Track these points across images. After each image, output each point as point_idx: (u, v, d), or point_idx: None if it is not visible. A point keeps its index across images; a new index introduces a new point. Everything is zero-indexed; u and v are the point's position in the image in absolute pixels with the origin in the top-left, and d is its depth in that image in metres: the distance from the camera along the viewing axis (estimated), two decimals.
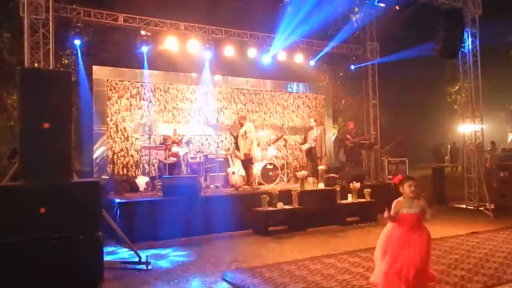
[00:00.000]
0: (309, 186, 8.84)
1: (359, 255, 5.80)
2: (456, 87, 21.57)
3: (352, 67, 13.18)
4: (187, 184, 7.75)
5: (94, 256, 4.57)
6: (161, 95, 11.15)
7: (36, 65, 8.05)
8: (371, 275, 4.01)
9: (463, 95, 11.30)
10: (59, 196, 4.46)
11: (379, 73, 12.92)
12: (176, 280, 4.95)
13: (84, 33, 9.81)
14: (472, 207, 10.09)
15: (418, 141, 21.47)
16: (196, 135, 11.47)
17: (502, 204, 9.68)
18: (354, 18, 13.31)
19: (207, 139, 11.66)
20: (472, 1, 10.25)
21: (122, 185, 8.75)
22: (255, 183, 9.81)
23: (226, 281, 4.85)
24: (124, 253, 6.28)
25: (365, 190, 8.82)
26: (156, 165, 9.92)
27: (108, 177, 9.46)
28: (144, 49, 10.21)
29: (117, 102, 10.56)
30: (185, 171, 10.44)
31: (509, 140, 24.27)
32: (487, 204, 9.64)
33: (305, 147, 10.70)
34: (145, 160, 10.35)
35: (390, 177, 10.09)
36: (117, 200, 7.31)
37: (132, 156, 10.65)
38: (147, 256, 5.62)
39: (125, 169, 10.52)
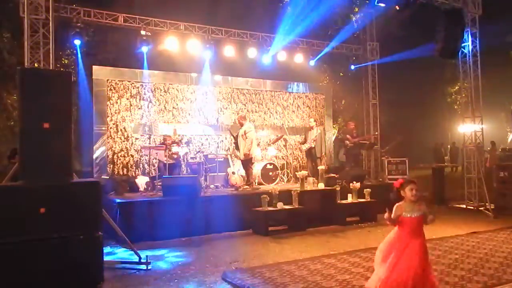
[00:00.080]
0: (309, 186, 8.84)
1: (359, 255, 5.80)
2: (456, 87, 21.56)
3: (352, 67, 13.19)
4: (187, 184, 7.76)
5: (94, 256, 4.57)
6: (161, 95, 11.15)
7: (36, 65, 8.06)
8: (370, 275, 3.99)
9: (463, 95, 11.30)
10: (59, 196, 4.46)
11: (379, 73, 12.91)
12: (176, 280, 4.95)
13: (84, 33, 9.82)
14: (472, 207, 10.10)
15: (418, 141, 21.49)
16: (196, 135, 11.46)
17: (502, 204, 9.68)
18: (354, 18, 13.32)
19: (207, 139, 11.66)
20: (472, 1, 10.26)
21: (122, 185, 8.76)
22: (255, 183, 9.80)
23: (226, 281, 4.84)
24: (124, 253, 6.28)
25: (365, 190, 8.83)
26: (156, 165, 9.91)
27: (108, 177, 9.48)
28: (144, 49, 10.22)
29: (117, 102, 10.56)
30: (185, 171, 10.43)
31: (509, 140, 24.27)
32: (487, 204, 9.64)
33: (305, 147, 10.71)
34: (145, 160, 10.35)
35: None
36: (117, 200, 7.32)
37: (132, 156, 10.64)
38: (147, 256, 5.62)
39: (125, 169, 10.52)
